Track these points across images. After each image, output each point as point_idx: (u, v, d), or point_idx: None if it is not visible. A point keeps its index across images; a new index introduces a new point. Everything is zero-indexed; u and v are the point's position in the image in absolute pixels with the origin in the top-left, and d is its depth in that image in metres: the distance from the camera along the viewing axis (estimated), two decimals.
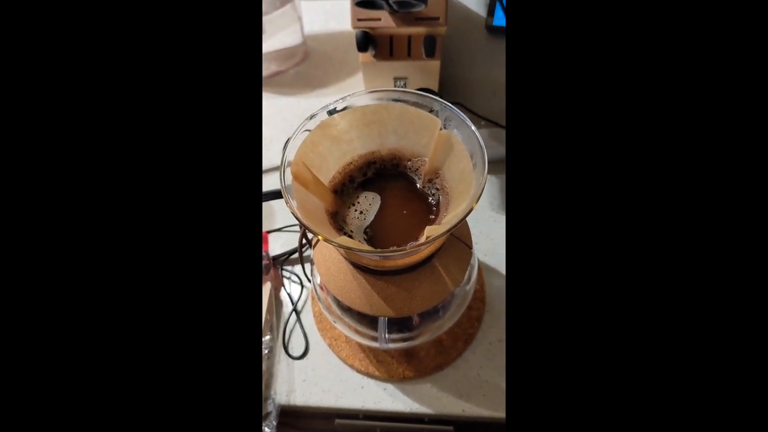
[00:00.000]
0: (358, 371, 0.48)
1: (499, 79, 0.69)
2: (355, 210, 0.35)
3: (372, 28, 0.54)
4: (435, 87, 0.62)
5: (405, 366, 0.48)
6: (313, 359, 0.50)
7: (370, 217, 0.35)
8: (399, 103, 0.34)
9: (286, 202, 0.28)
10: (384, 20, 0.54)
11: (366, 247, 0.30)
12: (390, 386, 0.48)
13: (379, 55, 0.58)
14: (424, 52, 0.54)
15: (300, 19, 0.71)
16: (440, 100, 0.33)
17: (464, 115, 0.31)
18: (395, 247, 0.28)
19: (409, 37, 0.57)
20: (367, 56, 0.58)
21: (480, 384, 0.47)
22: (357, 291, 0.36)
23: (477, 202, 0.28)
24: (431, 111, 0.33)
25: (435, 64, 0.59)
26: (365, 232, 0.34)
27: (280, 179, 0.30)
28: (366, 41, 0.53)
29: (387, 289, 0.36)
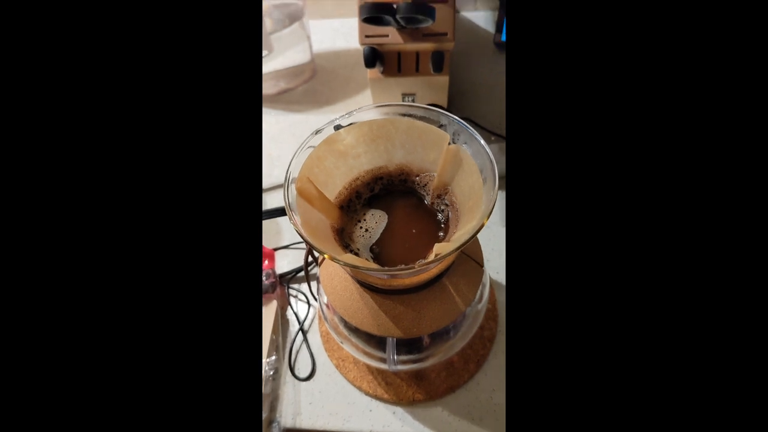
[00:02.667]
0: (367, 393, 0.47)
1: None
2: (361, 227, 0.34)
3: (380, 45, 0.54)
4: (444, 102, 0.61)
5: (415, 389, 0.46)
6: (319, 381, 0.48)
7: (376, 235, 0.34)
8: (406, 118, 0.33)
9: (290, 219, 0.28)
10: (392, 36, 0.54)
11: (373, 265, 0.29)
12: (399, 410, 0.46)
13: (387, 72, 0.58)
14: (432, 68, 0.53)
15: (308, 37, 0.72)
16: (449, 114, 0.32)
17: (473, 129, 0.31)
18: (403, 266, 0.27)
19: (417, 54, 0.57)
20: (375, 72, 0.58)
21: (492, 408, 0.45)
22: (364, 311, 0.35)
23: (488, 219, 0.27)
24: (440, 126, 0.32)
25: (443, 80, 0.58)
26: (371, 250, 0.33)
27: (284, 195, 0.29)
28: (373, 57, 0.53)
29: (395, 309, 0.34)
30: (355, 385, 0.47)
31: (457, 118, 0.31)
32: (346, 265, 0.26)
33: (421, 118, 0.33)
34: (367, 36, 0.54)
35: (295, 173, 0.30)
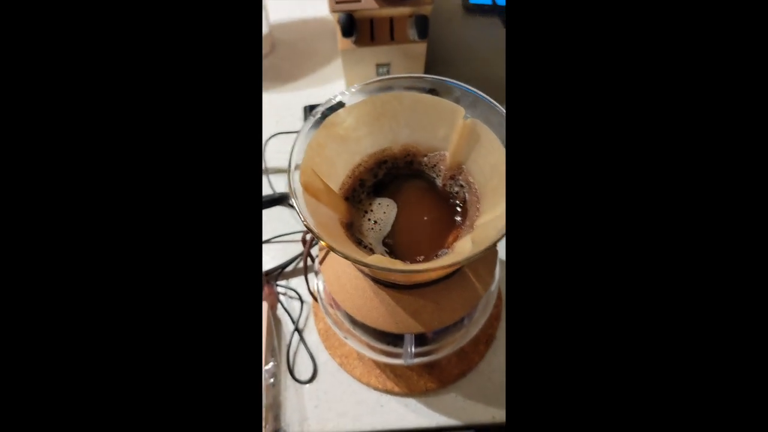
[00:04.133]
0: (376, 389, 0.44)
1: (483, 58, 0.66)
2: (369, 219, 0.30)
3: (352, 11, 0.49)
4: (421, 71, 0.58)
5: (426, 378, 0.44)
6: (323, 381, 0.45)
7: (388, 227, 0.30)
8: (412, 92, 0.30)
9: (303, 222, 0.24)
10: (364, 2, 0.49)
11: (407, 265, 0.25)
12: (412, 401, 0.44)
13: (360, 41, 0.53)
14: (416, 34, 0.49)
15: (265, 7, 0.65)
16: (462, 85, 0.28)
17: (493, 101, 0.27)
18: (439, 262, 0.24)
19: (391, 19, 0.52)
20: (347, 43, 0.53)
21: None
22: (380, 309, 0.32)
23: None
24: (455, 99, 0.29)
25: (420, 47, 0.54)
26: (385, 244, 0.30)
27: (290, 190, 0.25)
28: (351, 25, 0.48)
29: (415, 303, 0.32)
30: (362, 382, 0.44)
31: (473, 89, 0.28)
32: (373, 267, 0.22)
33: (430, 92, 0.29)
34: (338, 2, 0.49)
35: (297, 163, 0.26)
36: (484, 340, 0.45)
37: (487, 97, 0.28)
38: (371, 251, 0.29)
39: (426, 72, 0.61)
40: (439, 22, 0.70)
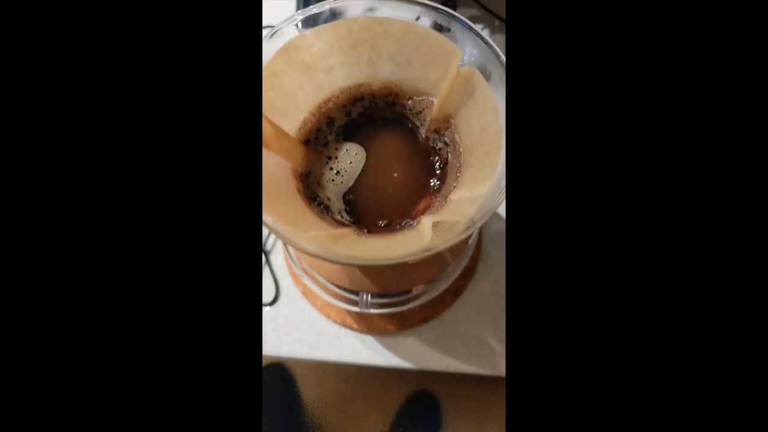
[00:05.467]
0: (335, 322, 0.43)
1: None
2: (331, 169, 0.26)
3: None
4: None
5: (387, 319, 0.43)
6: (283, 306, 0.44)
7: (351, 180, 0.26)
8: (402, 19, 0.23)
9: None
10: None
11: (347, 249, 0.21)
12: (369, 338, 0.43)
13: None
14: None
15: None
16: (463, 19, 0.22)
17: (497, 49, 0.21)
18: (373, 254, 0.20)
19: None
20: None
21: (468, 339, 0.43)
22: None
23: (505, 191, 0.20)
24: (446, 33, 0.23)
25: None
26: (345, 200, 0.26)
27: None
28: None
29: None
30: (322, 313, 0.43)
31: (476, 27, 0.22)
32: (309, 255, 0.19)
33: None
34: None
35: None
36: (453, 290, 0.43)
37: (491, 43, 0.21)
38: (327, 209, 0.25)
39: None
40: None
